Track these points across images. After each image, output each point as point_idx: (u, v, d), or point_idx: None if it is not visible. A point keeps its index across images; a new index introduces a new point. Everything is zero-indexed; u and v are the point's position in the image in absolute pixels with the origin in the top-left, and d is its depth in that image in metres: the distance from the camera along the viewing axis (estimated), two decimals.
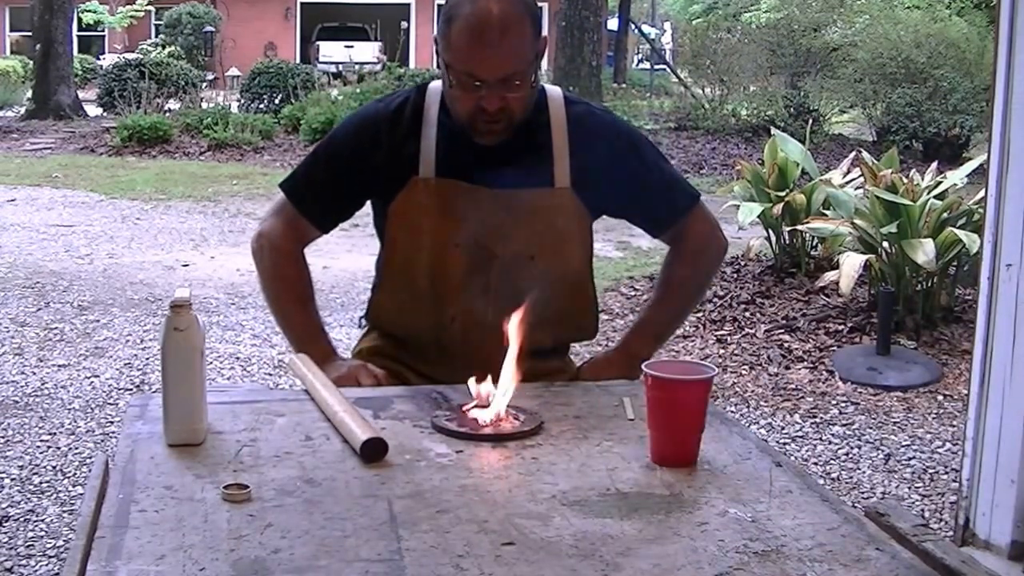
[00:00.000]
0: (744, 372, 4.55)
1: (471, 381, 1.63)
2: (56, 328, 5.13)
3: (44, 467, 3.46)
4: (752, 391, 4.34)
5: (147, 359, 4.63)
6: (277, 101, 14.42)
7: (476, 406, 1.61)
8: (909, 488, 3.43)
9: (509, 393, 1.59)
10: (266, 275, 2.02)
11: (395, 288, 1.96)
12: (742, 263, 5.97)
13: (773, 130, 6.61)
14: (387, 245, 1.96)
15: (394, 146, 1.90)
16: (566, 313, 1.95)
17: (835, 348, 4.72)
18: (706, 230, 2.03)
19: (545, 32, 1.89)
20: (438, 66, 1.89)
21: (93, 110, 15.73)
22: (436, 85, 1.94)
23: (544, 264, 1.90)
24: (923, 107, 12.11)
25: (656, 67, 23.43)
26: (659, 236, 2.06)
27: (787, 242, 5.72)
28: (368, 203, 2.00)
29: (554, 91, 1.95)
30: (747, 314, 5.20)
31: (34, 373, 4.45)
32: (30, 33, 17.08)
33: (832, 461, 3.65)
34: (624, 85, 18.28)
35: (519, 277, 1.87)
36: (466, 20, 1.76)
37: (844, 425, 3.98)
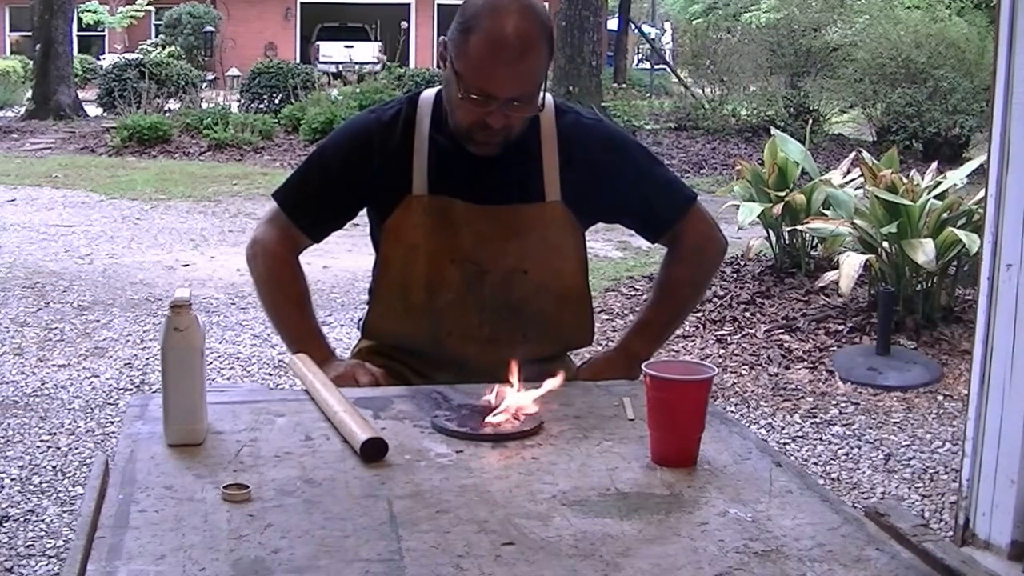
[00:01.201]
0: (744, 372, 4.55)
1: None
2: (56, 328, 5.13)
3: (44, 467, 3.46)
4: (752, 391, 4.34)
5: (147, 359, 4.63)
6: (277, 101, 14.43)
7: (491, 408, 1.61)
8: (909, 488, 3.43)
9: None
10: (261, 280, 2.02)
11: (391, 302, 1.96)
12: (742, 263, 5.97)
13: (773, 130, 6.60)
14: (382, 260, 1.96)
15: (386, 160, 1.90)
16: (562, 325, 1.96)
17: (835, 348, 4.72)
18: (704, 230, 2.03)
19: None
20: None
21: (93, 110, 15.73)
22: (428, 96, 1.94)
23: (537, 278, 1.90)
24: (923, 107, 12.10)
25: (656, 67, 23.43)
26: (658, 240, 2.06)
27: (787, 242, 5.73)
28: (364, 212, 2.00)
29: (545, 100, 1.95)
30: (747, 314, 5.20)
31: (34, 373, 4.45)
32: (30, 33, 17.08)
33: (832, 461, 3.65)
34: (624, 85, 18.26)
35: (512, 292, 1.88)
36: (486, 34, 1.74)
37: (844, 425, 3.98)
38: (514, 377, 1.60)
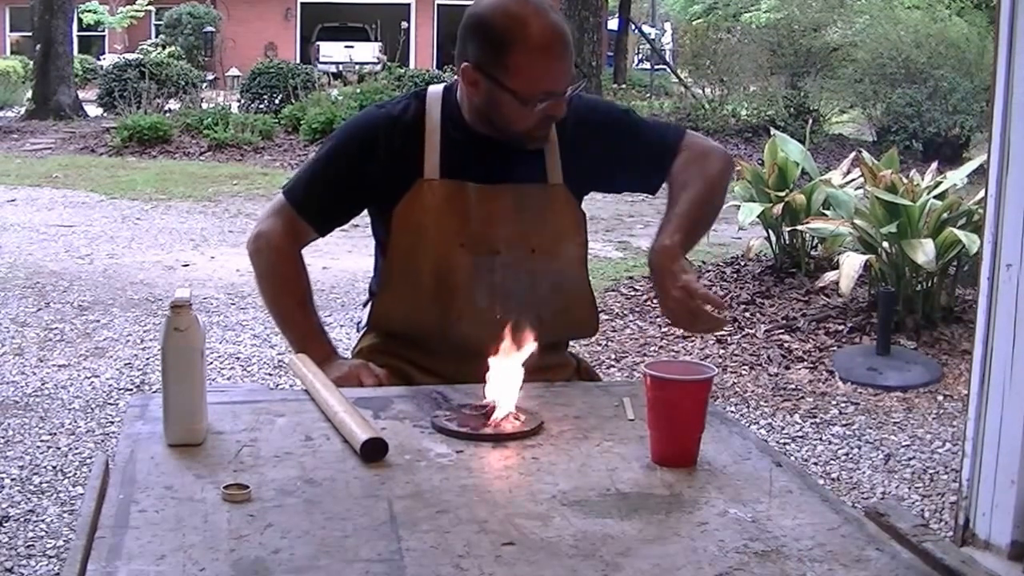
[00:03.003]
0: (744, 372, 4.55)
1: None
2: (56, 328, 5.13)
3: (44, 467, 3.46)
4: (752, 391, 4.34)
5: (147, 359, 4.63)
6: (277, 101, 14.42)
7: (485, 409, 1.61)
8: (909, 488, 3.43)
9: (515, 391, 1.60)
10: (264, 275, 2.03)
11: (400, 288, 1.97)
12: (742, 263, 5.97)
13: (773, 130, 6.61)
14: (391, 247, 1.96)
15: (393, 153, 1.92)
16: (566, 309, 1.97)
17: (835, 348, 4.72)
18: (702, 143, 2.00)
19: None
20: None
21: (93, 110, 15.72)
22: (435, 90, 1.96)
23: (544, 260, 1.92)
24: (923, 107, 12.11)
25: (656, 67, 23.42)
26: (661, 186, 1.98)
27: (787, 242, 5.73)
28: (366, 210, 2.01)
29: None
30: (747, 314, 5.20)
31: (34, 373, 4.45)
32: (30, 33, 17.07)
33: (832, 461, 3.65)
34: (624, 85, 18.27)
35: (521, 273, 1.90)
36: (532, 42, 1.78)
37: (844, 425, 3.98)
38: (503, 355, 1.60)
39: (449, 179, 1.90)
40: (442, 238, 1.90)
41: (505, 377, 1.59)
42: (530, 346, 1.60)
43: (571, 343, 2.11)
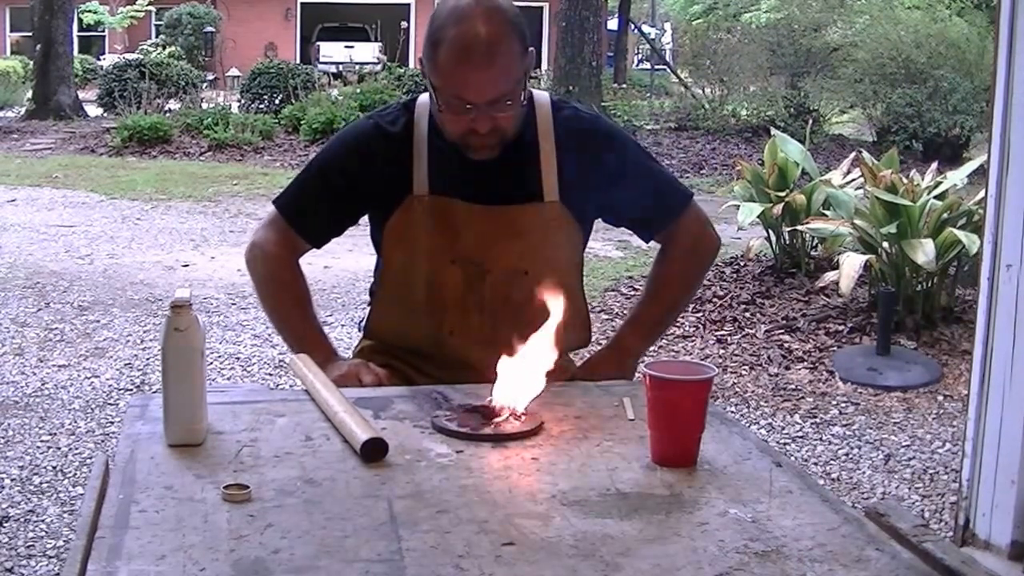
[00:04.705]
0: (744, 372, 4.55)
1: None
2: (56, 328, 5.13)
3: (44, 467, 3.46)
4: (752, 391, 4.34)
5: (147, 359, 4.63)
6: (277, 101, 14.42)
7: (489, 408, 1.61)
8: (909, 488, 3.43)
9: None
10: (262, 281, 2.03)
11: (393, 301, 1.98)
12: (742, 263, 5.97)
13: (773, 130, 6.61)
14: (384, 261, 1.97)
15: (386, 164, 1.91)
16: (562, 325, 1.96)
17: (835, 348, 4.72)
18: (697, 229, 2.04)
19: (534, 45, 1.87)
20: (424, 87, 1.89)
21: (93, 110, 15.73)
22: (424, 100, 1.95)
23: (537, 278, 1.90)
24: (923, 107, 12.11)
25: (656, 67, 23.43)
26: (652, 239, 2.07)
27: (787, 242, 5.73)
28: (365, 216, 2.01)
29: (541, 98, 1.95)
30: (747, 314, 5.20)
31: (34, 373, 4.45)
32: (30, 33, 17.08)
33: (832, 461, 3.65)
34: (624, 85, 18.25)
35: (513, 292, 1.88)
36: (452, 43, 1.75)
37: (844, 425, 3.98)
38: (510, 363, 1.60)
39: (438, 196, 1.89)
40: (433, 254, 1.90)
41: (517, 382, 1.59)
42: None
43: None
